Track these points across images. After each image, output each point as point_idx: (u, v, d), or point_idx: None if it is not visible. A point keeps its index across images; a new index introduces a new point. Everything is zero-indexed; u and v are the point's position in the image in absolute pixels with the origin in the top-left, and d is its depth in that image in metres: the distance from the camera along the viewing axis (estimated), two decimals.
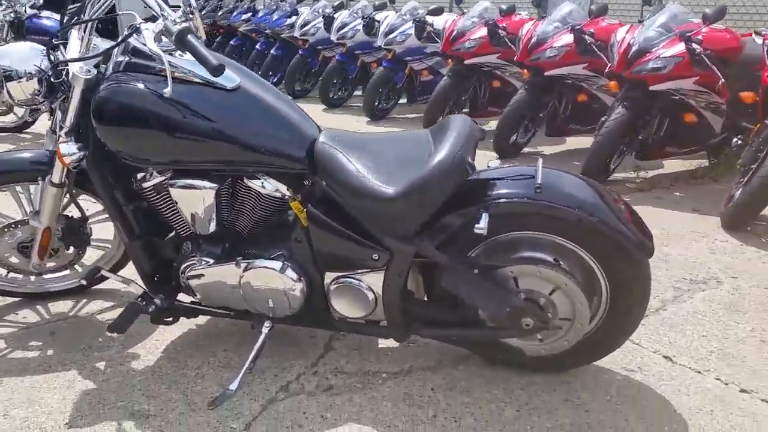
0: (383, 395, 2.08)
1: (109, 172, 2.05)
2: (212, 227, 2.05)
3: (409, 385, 2.14)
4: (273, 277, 2.03)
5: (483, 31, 5.36)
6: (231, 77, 1.93)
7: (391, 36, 6.23)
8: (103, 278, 2.61)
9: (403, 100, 6.87)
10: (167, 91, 1.73)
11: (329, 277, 2.05)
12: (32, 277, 2.59)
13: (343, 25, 6.90)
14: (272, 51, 7.97)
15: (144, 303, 2.12)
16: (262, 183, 2.00)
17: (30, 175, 2.24)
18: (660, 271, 3.02)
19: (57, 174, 2.15)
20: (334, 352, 2.32)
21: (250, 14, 8.61)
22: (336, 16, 7.09)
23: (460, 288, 1.92)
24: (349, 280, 2.02)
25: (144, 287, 2.18)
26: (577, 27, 4.58)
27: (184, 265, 2.11)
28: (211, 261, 2.08)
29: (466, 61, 5.48)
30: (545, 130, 5.28)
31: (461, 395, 2.09)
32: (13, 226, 2.37)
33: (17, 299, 2.62)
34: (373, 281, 2.00)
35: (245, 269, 2.04)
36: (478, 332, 2.08)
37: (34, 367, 2.20)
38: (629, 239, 1.85)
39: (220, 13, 9.27)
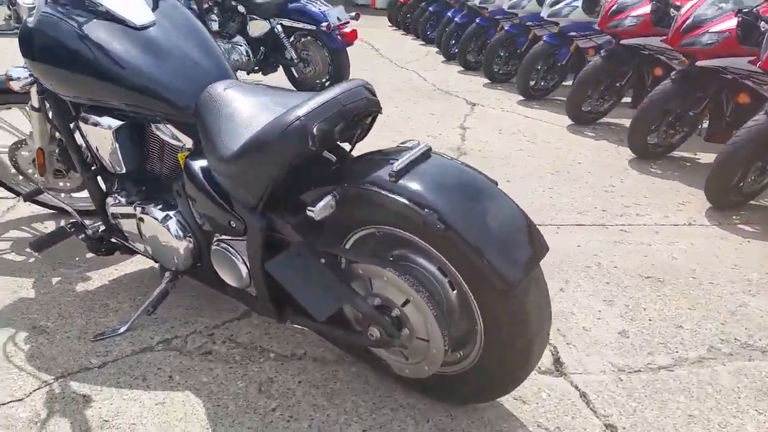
0: (245, 374, 1.95)
1: (59, 103, 2.17)
2: (122, 168, 2.07)
3: (281, 370, 1.98)
4: (158, 228, 2.00)
5: (647, 8, 4.56)
6: (145, 15, 1.91)
7: (557, 7, 5.62)
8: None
9: (568, 82, 6.21)
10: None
11: (212, 238, 1.95)
12: (72, 194, 2.87)
13: (559, 0, 5.75)
14: (456, 18, 7.74)
15: (72, 229, 2.24)
16: (159, 128, 1.96)
17: (23, 98, 2.48)
18: None
19: (34, 98, 2.35)
20: (245, 321, 2.23)
21: None
22: None
23: (285, 272, 1.68)
24: (224, 245, 1.90)
25: (77, 217, 2.30)
26: (746, 10, 3.64)
27: (106, 202, 2.18)
28: (121, 201, 2.12)
29: (623, 41, 4.73)
30: (704, 134, 4.36)
31: (320, 397, 1.86)
32: (24, 142, 2.66)
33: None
34: (243, 250, 1.86)
35: (140, 215, 2.04)
36: (340, 332, 1.82)
37: (11, 268, 2.49)
38: (482, 259, 1.44)
39: None
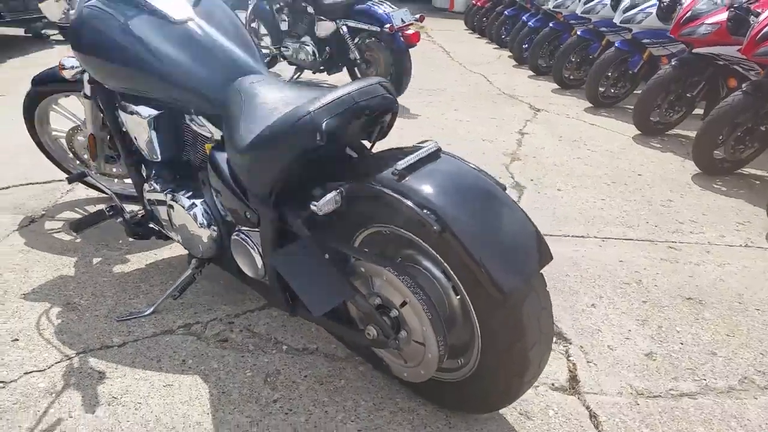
0: (255, 363, 1.99)
1: (106, 92, 2.29)
2: (158, 156, 2.15)
3: (290, 363, 2.00)
4: (185, 216, 2.07)
5: (723, 15, 4.30)
6: (184, 10, 1.99)
7: (630, 13, 5.40)
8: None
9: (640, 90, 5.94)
10: None
11: (233, 227, 2.00)
12: (124, 180, 3.03)
13: (632, 6, 5.50)
14: (530, 22, 7.59)
15: (111, 213, 2.36)
16: (192, 119, 2.03)
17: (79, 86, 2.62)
18: None
19: (86, 87, 2.48)
20: (265, 312, 2.27)
21: None
22: None
23: (287, 265, 1.69)
24: (243, 235, 1.95)
25: (117, 201, 2.41)
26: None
27: (143, 188, 2.28)
28: (156, 188, 2.20)
29: (695, 50, 4.49)
30: None
31: (323, 393, 1.88)
32: (80, 128, 2.82)
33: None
34: (258, 241, 1.90)
35: (170, 202, 2.12)
36: (341, 328, 1.83)
37: (58, 247, 2.65)
38: (477, 264, 1.41)
39: None
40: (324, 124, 1.54)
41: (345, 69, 5.86)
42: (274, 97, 1.81)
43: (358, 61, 5.55)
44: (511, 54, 8.37)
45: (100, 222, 2.39)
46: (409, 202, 1.47)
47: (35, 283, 2.36)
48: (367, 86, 1.64)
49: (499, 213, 1.50)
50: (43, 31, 8.04)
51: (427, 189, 1.49)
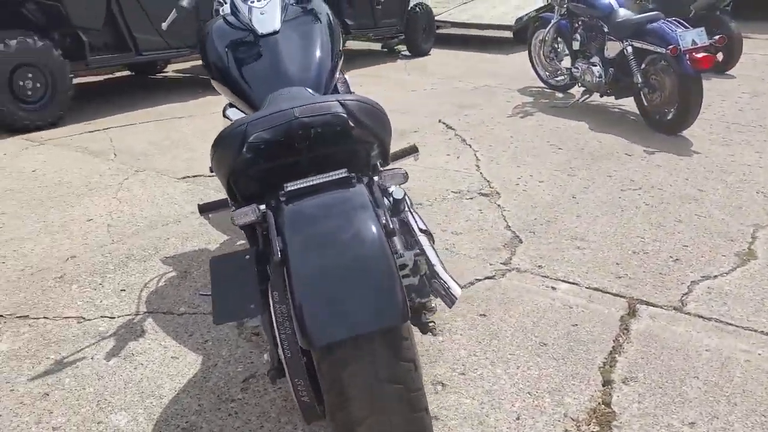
0: (254, 362, 2.07)
1: None
2: None
3: None
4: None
5: None
6: (271, 24, 2.15)
7: None
8: None
9: None
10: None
11: None
12: None
13: None
14: None
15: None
16: None
17: None
18: None
19: None
20: None
21: None
22: None
23: (218, 268, 1.68)
24: None
25: None
26: None
27: None
28: None
29: None
30: None
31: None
32: None
33: None
34: None
35: None
36: None
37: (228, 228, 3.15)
38: (298, 308, 1.26)
39: None
40: (253, 137, 1.53)
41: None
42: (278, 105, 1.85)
43: (640, 86, 4.91)
44: None
45: (224, 208, 2.75)
46: (274, 228, 1.39)
47: (179, 251, 2.86)
48: (321, 102, 1.57)
49: (360, 257, 1.29)
50: (396, 48, 9.19)
51: (298, 216, 1.38)
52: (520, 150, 4.31)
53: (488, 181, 3.70)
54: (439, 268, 1.81)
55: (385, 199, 1.70)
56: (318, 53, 2.12)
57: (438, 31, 9.10)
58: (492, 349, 2.10)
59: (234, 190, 1.71)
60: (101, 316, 2.34)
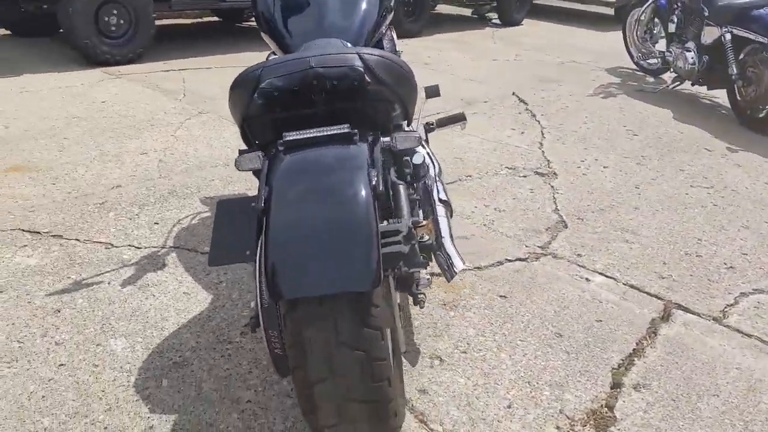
0: None
1: None
2: None
3: None
4: None
5: None
6: None
7: None
8: None
9: None
10: None
11: None
12: None
13: None
14: None
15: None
16: None
17: None
18: None
19: None
20: None
21: None
22: None
23: (223, 210, 1.68)
24: None
25: None
26: None
27: None
28: None
29: None
30: None
31: None
32: None
33: None
34: None
35: None
36: None
37: None
38: (267, 258, 1.22)
39: None
40: (265, 83, 1.48)
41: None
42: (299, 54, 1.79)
43: (734, 78, 4.51)
44: None
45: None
46: (265, 174, 1.36)
47: (219, 193, 2.90)
48: (339, 53, 1.50)
49: (335, 221, 1.24)
50: (487, 15, 8.89)
51: (288, 167, 1.34)
52: (592, 131, 4.07)
53: (548, 161, 3.52)
54: (447, 241, 1.73)
55: (391, 161, 1.63)
56: (363, 5, 2.04)
57: (535, 1, 8.73)
58: (502, 332, 2.00)
59: (248, 136, 1.68)
60: (129, 245, 2.40)
